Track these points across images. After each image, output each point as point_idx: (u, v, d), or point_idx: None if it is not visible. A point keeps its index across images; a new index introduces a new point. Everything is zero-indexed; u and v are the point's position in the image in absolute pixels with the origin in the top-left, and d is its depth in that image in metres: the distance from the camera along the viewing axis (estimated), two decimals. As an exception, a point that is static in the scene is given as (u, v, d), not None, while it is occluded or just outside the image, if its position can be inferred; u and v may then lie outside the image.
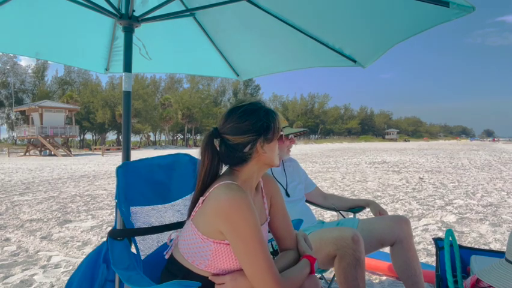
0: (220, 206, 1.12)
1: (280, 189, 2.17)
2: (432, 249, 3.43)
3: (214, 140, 1.22)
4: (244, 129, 1.19)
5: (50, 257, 3.37)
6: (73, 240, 3.92)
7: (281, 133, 2.08)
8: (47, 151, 32.96)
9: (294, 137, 2.34)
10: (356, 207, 2.34)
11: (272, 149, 1.23)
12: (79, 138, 58.33)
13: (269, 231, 1.40)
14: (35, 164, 19.02)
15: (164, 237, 1.57)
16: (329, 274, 2.59)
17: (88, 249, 3.56)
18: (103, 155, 29.92)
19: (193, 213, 1.21)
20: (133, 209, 1.49)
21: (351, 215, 2.35)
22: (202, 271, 1.19)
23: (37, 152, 33.73)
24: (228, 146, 1.21)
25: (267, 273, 1.09)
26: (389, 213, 2.26)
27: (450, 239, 1.25)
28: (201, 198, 1.19)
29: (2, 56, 53.04)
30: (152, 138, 72.99)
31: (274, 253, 1.54)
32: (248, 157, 1.21)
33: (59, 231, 4.33)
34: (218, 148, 1.22)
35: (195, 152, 1.41)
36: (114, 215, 1.65)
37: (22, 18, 2.25)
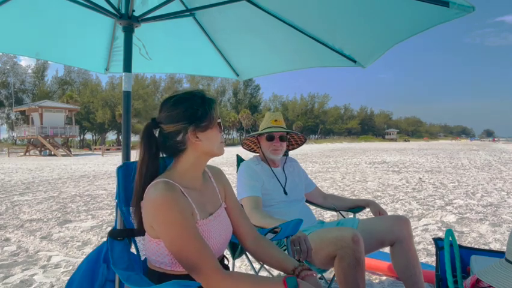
0: (146, 206, 1.13)
1: (279, 188, 2.17)
2: (432, 249, 3.43)
3: (154, 130, 1.22)
4: (175, 118, 1.18)
5: (50, 257, 3.37)
6: (73, 240, 3.92)
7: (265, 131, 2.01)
8: (47, 151, 32.95)
9: (287, 141, 2.31)
10: (356, 207, 2.34)
11: (208, 138, 1.21)
12: (78, 138, 58.34)
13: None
14: (35, 164, 19.02)
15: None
16: (329, 274, 2.58)
17: (88, 249, 3.56)
18: (103, 155, 29.92)
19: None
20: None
21: (351, 215, 2.35)
22: (173, 271, 1.16)
23: (37, 152, 33.71)
24: (163, 136, 1.21)
25: (203, 266, 1.06)
26: (389, 213, 2.25)
27: (450, 239, 1.25)
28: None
29: (2, 56, 53.10)
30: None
31: None
32: (182, 146, 1.20)
33: (59, 231, 4.32)
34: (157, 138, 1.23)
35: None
36: (114, 215, 1.64)
37: (22, 18, 2.25)
